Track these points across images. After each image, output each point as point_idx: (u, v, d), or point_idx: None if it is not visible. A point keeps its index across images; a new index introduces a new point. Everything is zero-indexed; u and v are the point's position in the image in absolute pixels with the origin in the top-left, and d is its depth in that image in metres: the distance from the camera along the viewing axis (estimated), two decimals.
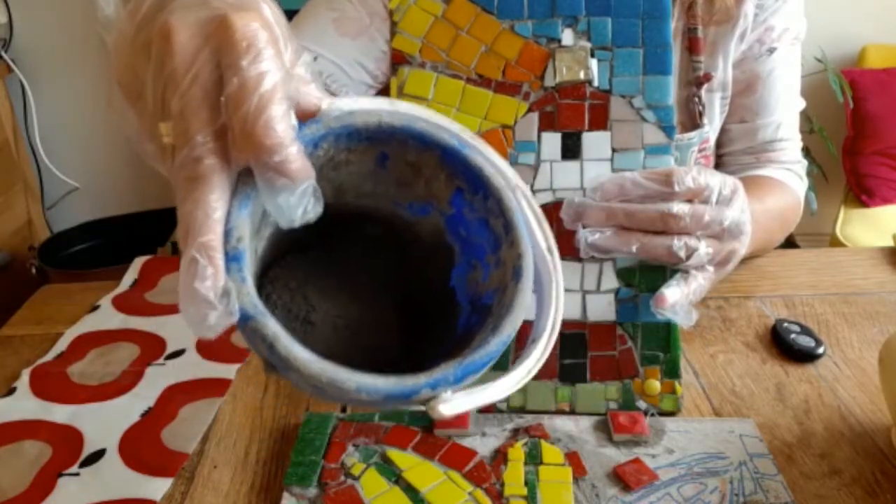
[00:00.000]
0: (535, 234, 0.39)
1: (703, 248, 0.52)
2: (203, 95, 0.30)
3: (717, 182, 0.53)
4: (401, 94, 0.58)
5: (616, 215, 0.52)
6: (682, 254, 0.51)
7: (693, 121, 0.78)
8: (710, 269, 0.54)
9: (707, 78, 0.77)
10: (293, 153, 0.30)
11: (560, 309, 0.38)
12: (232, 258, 0.30)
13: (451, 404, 0.31)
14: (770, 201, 0.76)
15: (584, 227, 0.52)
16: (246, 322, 0.29)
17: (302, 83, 0.33)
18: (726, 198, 0.53)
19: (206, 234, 0.29)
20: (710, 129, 0.81)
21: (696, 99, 0.77)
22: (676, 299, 0.52)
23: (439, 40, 0.58)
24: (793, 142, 0.85)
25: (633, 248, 0.51)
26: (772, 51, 0.79)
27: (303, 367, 0.29)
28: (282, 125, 0.30)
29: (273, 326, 0.29)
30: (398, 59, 0.58)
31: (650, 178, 0.51)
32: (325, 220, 0.33)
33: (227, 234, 0.30)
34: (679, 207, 0.51)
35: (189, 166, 0.30)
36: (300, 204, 0.31)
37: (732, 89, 0.81)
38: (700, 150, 0.80)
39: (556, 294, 0.38)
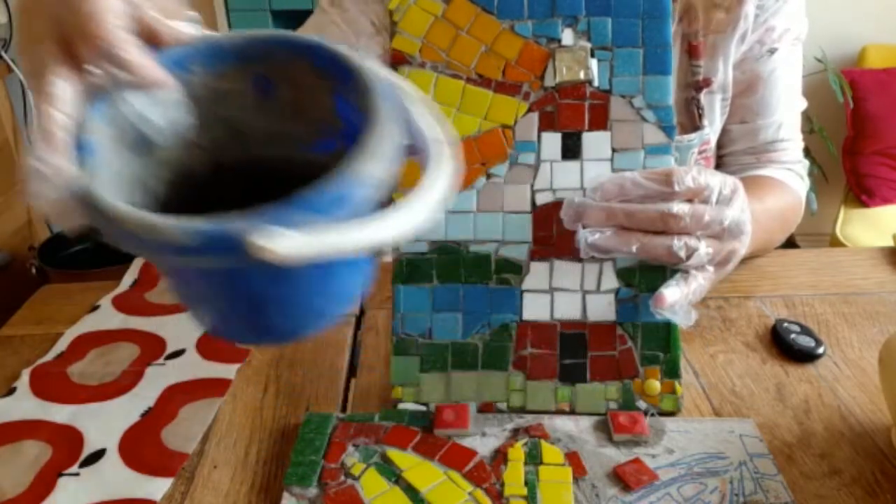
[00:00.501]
0: (421, 128, 0.36)
1: (703, 248, 0.52)
2: (48, 13, 0.33)
3: (718, 182, 0.53)
4: None
5: (616, 215, 0.52)
6: (682, 254, 0.51)
7: (693, 122, 0.78)
8: (710, 269, 0.54)
9: (706, 83, 0.77)
10: (127, 45, 0.32)
11: (449, 172, 0.35)
12: (80, 147, 0.32)
13: (288, 241, 0.28)
14: (770, 201, 0.76)
15: (584, 227, 0.52)
16: (76, 194, 0.31)
17: (173, 22, 0.35)
18: (726, 198, 0.53)
19: (49, 121, 0.31)
20: (711, 130, 0.81)
21: (696, 102, 0.77)
22: (676, 299, 0.52)
23: (439, 40, 0.57)
24: (794, 142, 0.84)
25: (633, 248, 0.51)
26: (772, 51, 0.79)
27: (116, 214, 0.30)
28: (113, 19, 0.32)
29: (96, 187, 0.31)
30: (398, 59, 0.58)
31: (650, 178, 0.51)
32: (240, 181, 0.34)
33: (77, 126, 0.32)
34: (679, 207, 0.51)
35: (37, 73, 0.32)
36: (164, 114, 0.33)
37: (733, 90, 0.81)
38: (700, 152, 0.80)
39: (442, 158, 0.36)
